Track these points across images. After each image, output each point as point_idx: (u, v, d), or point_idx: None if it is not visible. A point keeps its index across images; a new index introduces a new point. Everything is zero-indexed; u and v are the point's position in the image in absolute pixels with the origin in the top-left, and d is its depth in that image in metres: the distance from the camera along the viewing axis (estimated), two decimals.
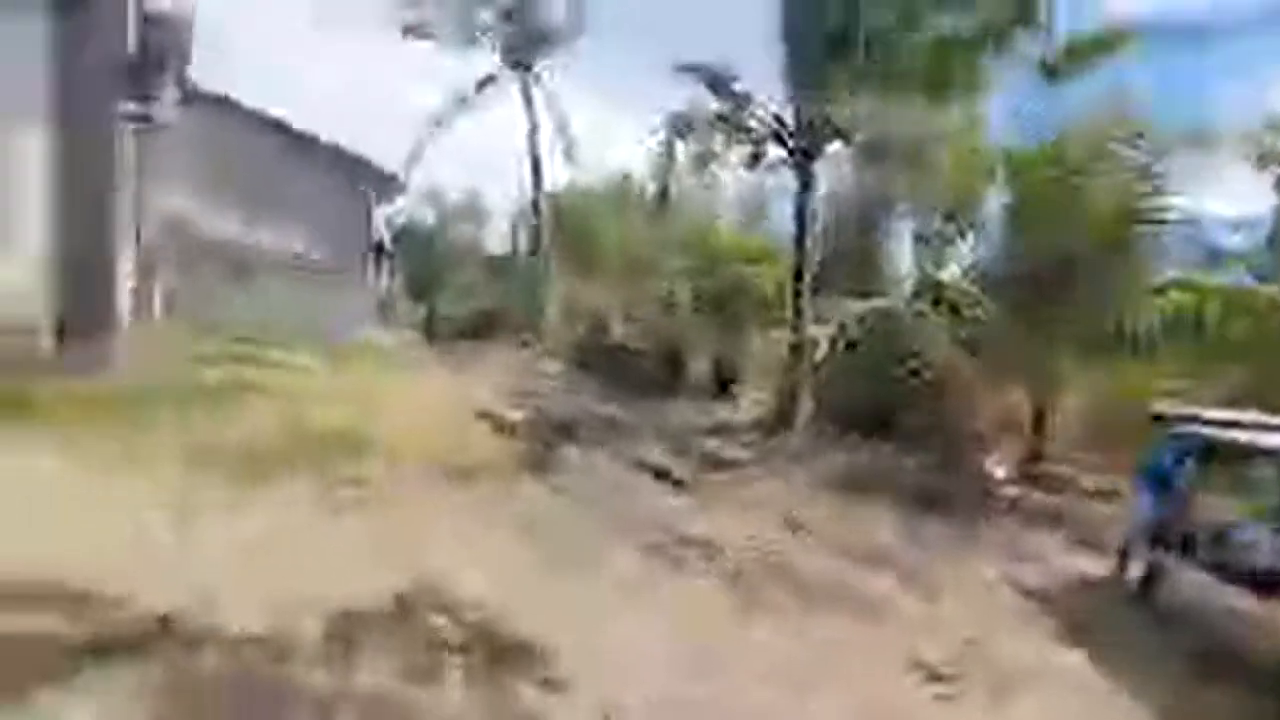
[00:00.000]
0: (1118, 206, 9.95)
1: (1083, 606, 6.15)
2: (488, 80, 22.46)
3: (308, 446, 5.71)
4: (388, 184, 15.55)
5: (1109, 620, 5.92)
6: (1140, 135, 9.92)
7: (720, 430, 11.75)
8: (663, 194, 14.95)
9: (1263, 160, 12.72)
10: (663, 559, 5.74)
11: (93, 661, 2.61)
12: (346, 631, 3.30)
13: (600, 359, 16.33)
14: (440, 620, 3.66)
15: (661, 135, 12.45)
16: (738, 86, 11.81)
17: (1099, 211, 9.93)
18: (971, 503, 8.75)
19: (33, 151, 5.32)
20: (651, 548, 5.91)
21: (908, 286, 14.41)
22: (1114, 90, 10.13)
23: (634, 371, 15.23)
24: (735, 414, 13.30)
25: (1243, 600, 5.24)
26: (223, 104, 12.45)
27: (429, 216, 29.35)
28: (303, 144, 13.50)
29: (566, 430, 9.98)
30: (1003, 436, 10.86)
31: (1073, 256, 9.98)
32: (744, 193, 21.89)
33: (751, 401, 13.96)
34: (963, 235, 13.84)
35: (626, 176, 24.86)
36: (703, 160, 13.21)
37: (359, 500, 5.26)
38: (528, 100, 22.59)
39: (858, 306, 12.08)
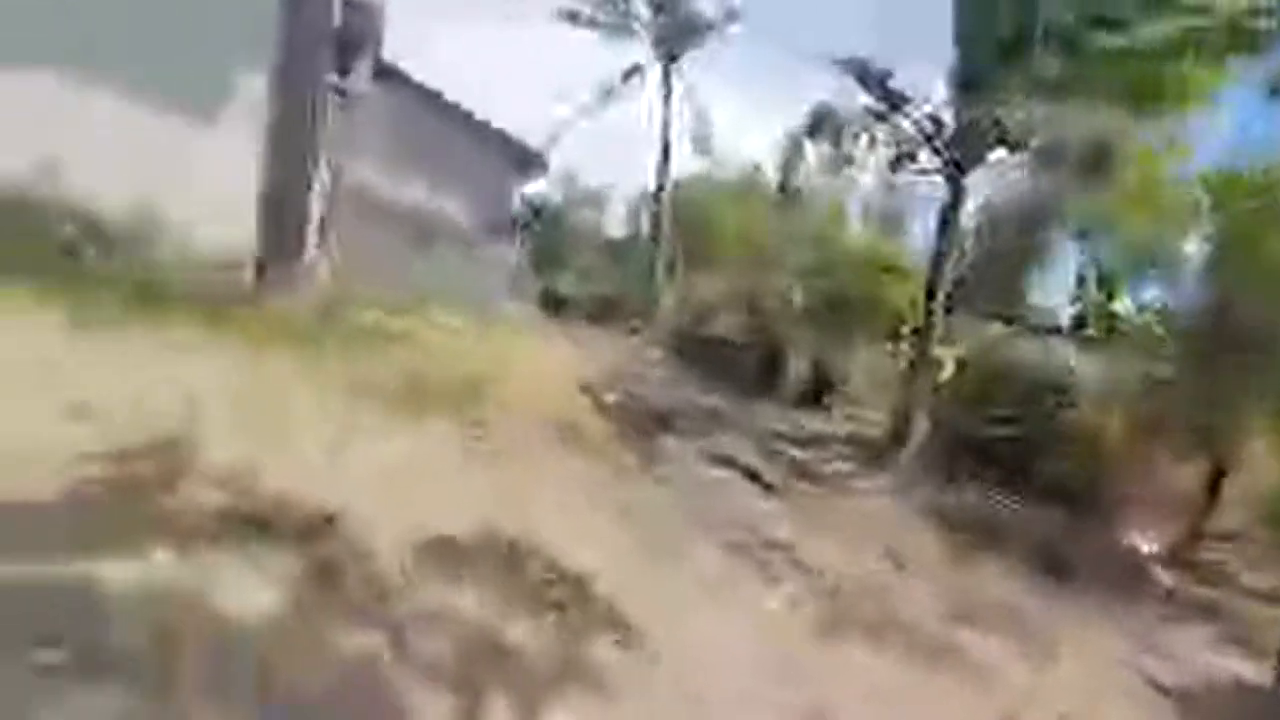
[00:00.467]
0: None
1: (1227, 711, 5.46)
2: (634, 70, 23.06)
3: (445, 393, 6.26)
4: (532, 163, 16.47)
5: None
6: None
7: (815, 440, 11.20)
8: (790, 188, 14.54)
9: None
10: (749, 561, 5.65)
11: (256, 537, 3.01)
12: (462, 562, 3.54)
13: (704, 351, 16.08)
14: (544, 574, 3.81)
15: (798, 127, 12.00)
16: (892, 84, 11.14)
17: None
18: (1107, 576, 7.68)
19: (256, 110, 6.25)
20: (739, 548, 5.83)
21: (1065, 314, 13.25)
22: None
23: (736, 367, 14.87)
24: (829, 425, 12.67)
25: None
26: (395, 77, 13.67)
27: (555, 195, 30.51)
28: (461, 119, 14.57)
29: (665, 419, 9.96)
30: (1160, 506, 9.27)
31: None
32: (880, 197, 21.16)
33: (846, 415, 13.30)
34: (1150, 265, 12.40)
35: (757, 168, 24.67)
36: (841, 160, 12.55)
37: (485, 449, 5.68)
38: (667, 89, 23.00)
39: (996, 329, 11.28)
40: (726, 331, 16.34)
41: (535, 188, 27.98)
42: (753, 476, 8.31)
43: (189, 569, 2.71)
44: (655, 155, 23.20)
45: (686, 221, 24.02)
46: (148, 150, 5.90)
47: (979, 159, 10.95)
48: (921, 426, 10.88)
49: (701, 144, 23.44)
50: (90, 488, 2.97)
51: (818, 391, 14.33)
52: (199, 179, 6.01)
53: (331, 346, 6.04)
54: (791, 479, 8.70)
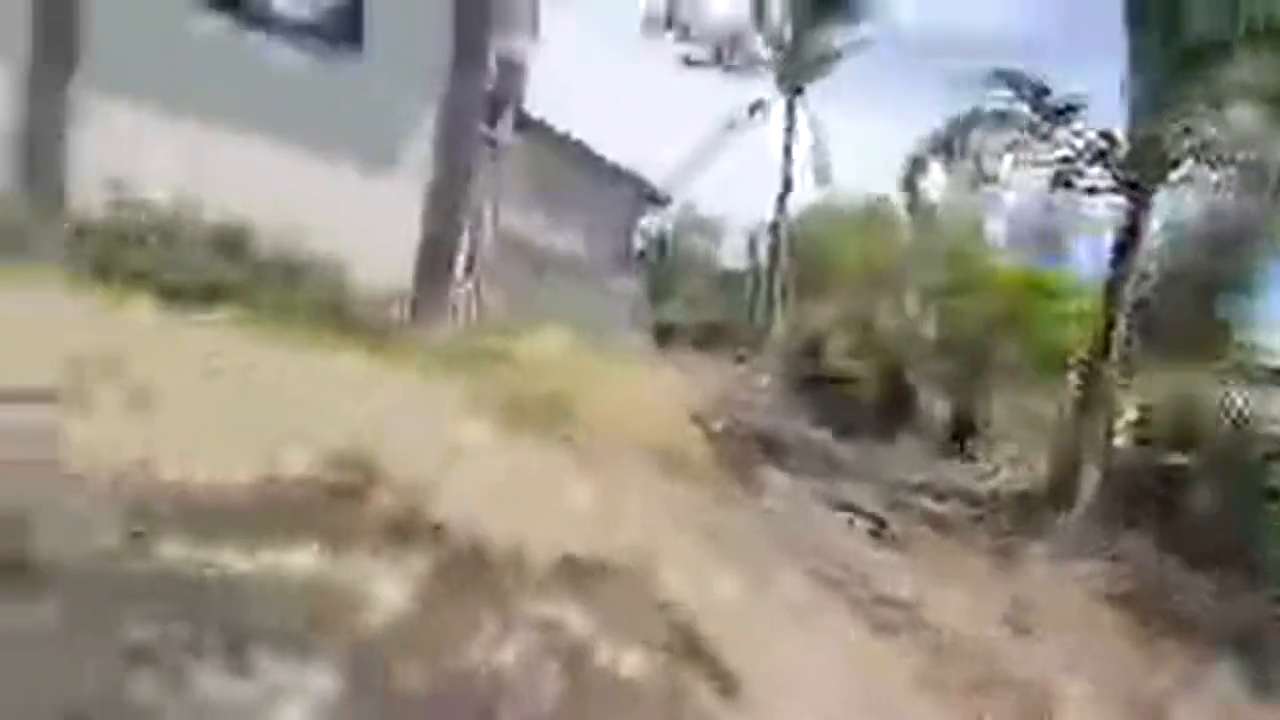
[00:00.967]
0: None
1: None
2: (758, 105, 23.39)
3: (552, 412, 6.67)
4: (656, 201, 17.17)
5: None
6: None
7: (954, 494, 10.16)
8: (918, 209, 13.53)
9: None
10: (859, 612, 5.43)
11: (393, 539, 3.27)
12: (565, 575, 3.65)
13: (817, 384, 15.13)
14: (653, 602, 3.79)
15: (926, 145, 11.00)
16: (1049, 100, 10.19)
17: None
18: None
19: (421, 166, 7.12)
20: (851, 600, 5.59)
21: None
22: None
23: (852, 403, 13.87)
24: (973, 477, 11.38)
25: None
26: (531, 123, 14.79)
27: (671, 224, 31.02)
28: (590, 160, 15.52)
29: (773, 451, 9.66)
30: None
31: None
32: (1034, 215, 18.62)
33: (996, 465, 11.85)
34: None
35: (883, 199, 24.02)
36: (980, 178, 11.48)
37: (581, 465, 5.96)
38: (790, 121, 23.11)
39: (1193, 368, 9.88)
40: (840, 360, 15.30)
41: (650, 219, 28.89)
42: (874, 523, 7.88)
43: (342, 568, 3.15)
44: (775, 186, 23.40)
45: (805, 253, 23.87)
46: (328, 202, 6.84)
47: (1161, 177, 9.83)
48: (1091, 481, 9.47)
49: (822, 174, 23.34)
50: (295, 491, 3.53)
51: (957, 434, 12.93)
52: (368, 227, 6.88)
53: (454, 368, 6.67)
54: (919, 529, 8.15)
